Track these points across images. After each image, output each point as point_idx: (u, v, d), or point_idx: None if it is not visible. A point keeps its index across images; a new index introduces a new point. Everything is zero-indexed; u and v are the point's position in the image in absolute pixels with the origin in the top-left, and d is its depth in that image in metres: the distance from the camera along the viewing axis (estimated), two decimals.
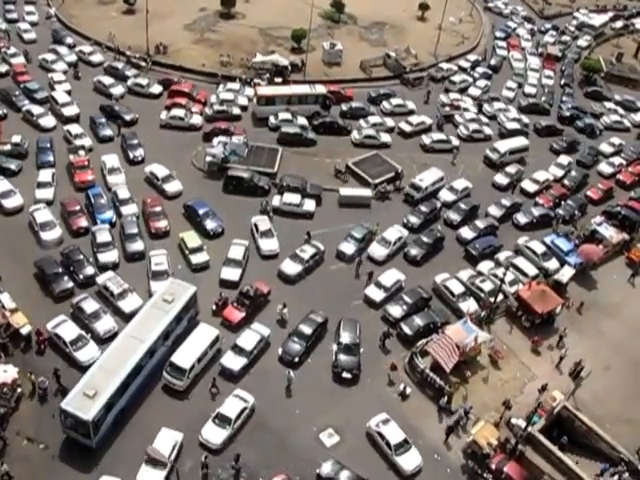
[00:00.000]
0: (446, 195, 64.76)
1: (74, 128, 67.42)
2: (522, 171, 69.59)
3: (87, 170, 61.18)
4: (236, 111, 74.28)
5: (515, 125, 77.86)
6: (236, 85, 79.23)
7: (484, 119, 79.58)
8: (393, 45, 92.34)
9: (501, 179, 68.67)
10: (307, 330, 48.18)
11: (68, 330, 46.01)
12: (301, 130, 71.26)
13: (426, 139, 72.99)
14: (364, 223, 59.06)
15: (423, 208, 61.68)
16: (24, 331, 46.04)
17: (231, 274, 52.78)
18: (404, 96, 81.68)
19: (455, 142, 73.38)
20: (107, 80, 76.54)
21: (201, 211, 57.59)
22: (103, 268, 52.18)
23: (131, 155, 64.34)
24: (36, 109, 70.31)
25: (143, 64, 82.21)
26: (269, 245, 56.09)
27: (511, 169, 69.23)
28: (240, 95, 77.58)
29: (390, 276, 53.90)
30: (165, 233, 56.52)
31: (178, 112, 71.24)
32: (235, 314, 49.35)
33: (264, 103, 74.26)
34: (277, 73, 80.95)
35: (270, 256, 55.71)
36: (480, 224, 60.79)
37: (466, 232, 60.29)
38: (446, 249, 59.28)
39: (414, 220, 60.69)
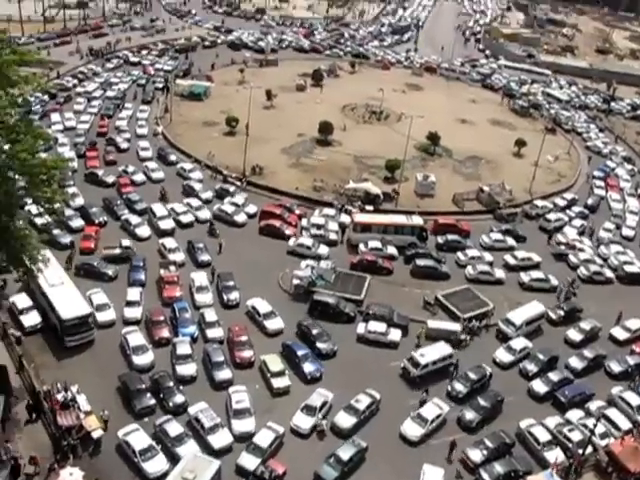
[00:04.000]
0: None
1: (169, 242, 70.51)
2: (599, 328, 65.52)
3: (176, 286, 63.32)
4: (332, 236, 76.03)
5: (636, 269, 76.38)
6: (331, 211, 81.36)
7: (599, 260, 78.15)
8: (487, 180, 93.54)
9: (574, 335, 64.68)
10: None
11: (139, 439, 46.14)
12: (435, 263, 71.81)
13: (525, 277, 72.16)
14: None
15: (471, 375, 56.31)
16: (95, 435, 46.58)
17: (302, 422, 50.34)
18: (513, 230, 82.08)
19: (554, 281, 71.95)
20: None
21: (300, 352, 56.54)
22: (181, 380, 52.97)
23: (225, 298, 63.74)
24: (134, 219, 74.60)
25: (238, 183, 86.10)
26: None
27: (586, 325, 65.12)
28: (334, 221, 79.39)
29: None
30: (250, 364, 56.10)
31: (306, 241, 73.07)
32: None
33: (360, 230, 75.82)
34: (369, 201, 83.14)
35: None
36: (554, 377, 57.50)
37: (539, 385, 56.97)
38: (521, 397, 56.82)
39: (460, 388, 55.34)
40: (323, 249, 73.13)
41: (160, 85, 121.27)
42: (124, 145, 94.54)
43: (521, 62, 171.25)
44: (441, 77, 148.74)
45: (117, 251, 68.42)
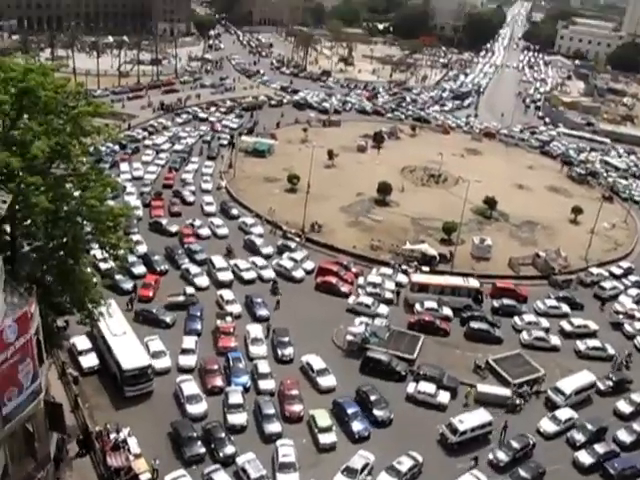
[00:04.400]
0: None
1: (227, 294, 71.03)
2: None
3: (231, 336, 63.65)
4: (388, 295, 75.52)
5: None
6: (388, 270, 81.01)
7: None
8: (543, 245, 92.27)
9: (624, 407, 61.94)
10: None
11: None
12: (489, 326, 70.85)
13: (581, 345, 70.17)
14: None
15: (514, 444, 54.17)
16: (143, 478, 46.60)
17: None
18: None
19: (611, 350, 69.76)
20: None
21: (350, 410, 55.66)
22: (231, 429, 52.74)
23: (279, 353, 63.33)
24: (194, 269, 75.57)
25: (297, 239, 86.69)
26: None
27: (637, 397, 62.40)
28: (391, 280, 78.94)
29: None
30: (299, 418, 55.48)
31: (366, 299, 72.72)
32: None
33: (417, 290, 75.43)
34: (425, 262, 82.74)
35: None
36: (601, 449, 54.87)
37: (584, 457, 54.42)
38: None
39: (502, 457, 53.62)
40: (383, 308, 72.57)
41: (225, 142, 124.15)
42: (190, 198, 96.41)
43: (580, 130, 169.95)
44: (500, 143, 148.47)
45: (181, 298, 69.41)
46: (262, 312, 69.05)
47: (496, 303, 76.54)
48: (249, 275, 76.35)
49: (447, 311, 73.52)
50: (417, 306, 73.69)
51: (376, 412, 56.24)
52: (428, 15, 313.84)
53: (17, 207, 41.87)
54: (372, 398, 57.15)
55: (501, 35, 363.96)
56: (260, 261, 79.20)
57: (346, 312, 71.63)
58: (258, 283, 76.22)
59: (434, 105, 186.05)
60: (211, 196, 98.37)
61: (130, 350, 56.71)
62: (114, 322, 58.29)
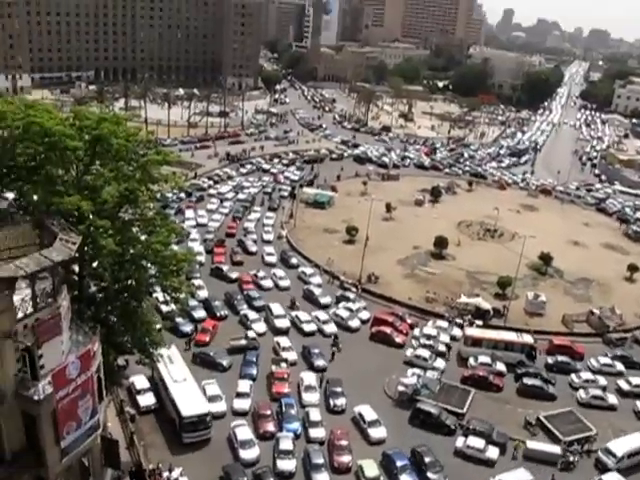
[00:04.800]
0: None
1: (283, 341, 70.76)
2: None
3: (285, 382, 63.25)
4: (442, 348, 74.08)
5: None
6: (444, 323, 79.80)
7: None
8: (598, 303, 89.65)
9: None
10: None
11: None
12: (543, 383, 68.73)
13: None
14: None
15: None
16: None
17: None
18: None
19: None
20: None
21: (399, 463, 54.05)
22: (280, 475, 52.06)
23: (331, 403, 61.89)
24: (252, 314, 75.84)
25: (354, 289, 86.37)
26: None
27: None
28: (446, 333, 77.66)
29: None
30: (347, 469, 54.27)
31: (423, 352, 71.37)
32: None
33: (471, 344, 74.09)
34: (479, 316, 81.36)
35: None
36: None
37: None
38: None
39: None
40: (439, 362, 71.12)
41: (285, 193, 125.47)
42: (252, 248, 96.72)
43: (637, 188, 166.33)
44: (556, 199, 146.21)
45: (243, 342, 69.68)
46: (319, 362, 68.07)
47: (550, 360, 74.30)
48: (309, 327, 75.42)
49: (501, 366, 71.67)
50: (471, 360, 72.18)
51: (430, 475, 54.05)
52: (487, 74, 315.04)
53: (86, 249, 42.88)
54: (427, 460, 55.14)
55: (559, 94, 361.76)
56: (323, 315, 77.84)
57: (403, 364, 70.44)
58: (317, 335, 75.23)
59: (491, 161, 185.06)
60: (272, 246, 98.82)
61: (190, 397, 56.48)
62: (175, 368, 58.88)
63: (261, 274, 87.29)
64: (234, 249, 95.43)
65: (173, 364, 58.28)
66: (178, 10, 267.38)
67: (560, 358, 74.34)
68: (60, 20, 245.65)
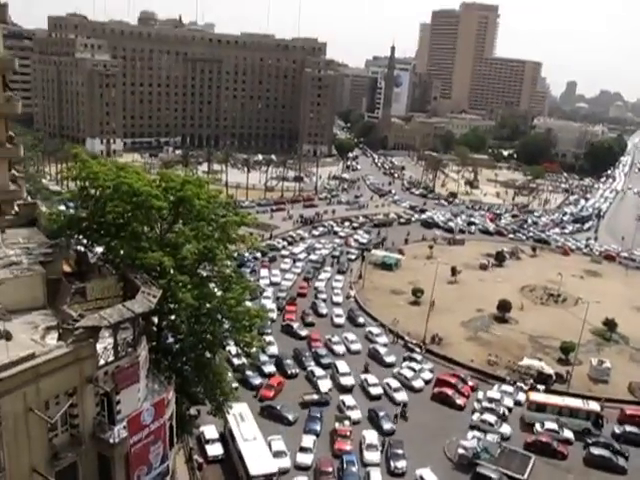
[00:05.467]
0: None
1: (348, 399, 69.40)
2: None
3: (347, 440, 61.85)
4: (504, 412, 71.08)
5: None
6: (509, 387, 76.87)
7: None
8: None
9: None
10: None
11: None
12: (612, 454, 64.01)
13: None
14: None
15: None
16: None
17: None
18: None
19: None
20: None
21: None
22: None
23: (392, 465, 59.78)
24: (318, 371, 75.04)
25: (417, 350, 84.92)
26: None
27: None
28: (510, 397, 74.66)
29: None
30: None
31: (489, 417, 68.52)
32: None
33: (534, 409, 70.94)
34: (541, 380, 78.36)
35: None
36: None
37: None
38: None
39: None
40: (505, 428, 68.02)
41: (353, 256, 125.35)
42: (323, 311, 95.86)
43: None
44: (620, 265, 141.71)
45: (315, 397, 69.11)
46: (387, 426, 65.77)
47: (618, 429, 69.74)
48: (376, 391, 73.20)
49: (568, 433, 67.88)
50: (537, 426, 68.44)
51: None
52: (550, 143, 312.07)
53: (165, 302, 43.48)
54: None
55: (622, 162, 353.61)
56: (394, 382, 74.88)
57: (453, 422, 68.42)
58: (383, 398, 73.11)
59: (555, 227, 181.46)
60: (341, 308, 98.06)
61: (258, 456, 55.70)
62: (246, 425, 58.55)
63: (335, 339, 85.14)
64: (306, 311, 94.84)
65: (244, 422, 57.91)
66: (260, 82, 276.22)
67: (629, 428, 69.67)
68: (152, 90, 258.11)
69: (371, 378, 75.13)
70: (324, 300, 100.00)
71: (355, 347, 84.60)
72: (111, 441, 34.27)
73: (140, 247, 42.58)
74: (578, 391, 76.79)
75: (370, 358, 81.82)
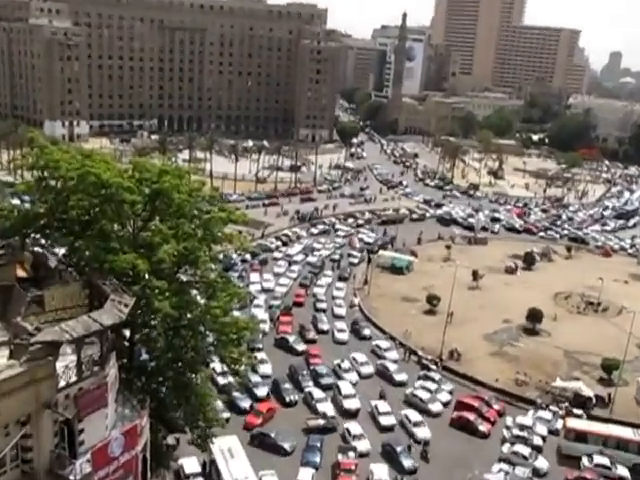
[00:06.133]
0: None
1: (354, 428, 68.43)
2: None
3: (352, 475, 60.76)
4: (537, 441, 69.87)
5: None
6: (546, 414, 75.89)
7: None
8: None
9: None
10: None
11: None
12: None
13: None
14: None
15: None
16: None
17: None
18: None
19: None
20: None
21: None
22: None
23: None
24: (317, 393, 74.33)
25: (433, 367, 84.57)
26: None
27: None
28: (544, 424, 73.77)
29: None
30: None
31: (523, 449, 67.16)
32: None
33: (573, 438, 69.62)
34: (578, 404, 77.78)
35: None
36: None
37: None
38: None
39: None
40: (542, 462, 66.72)
41: (356, 260, 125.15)
42: (325, 327, 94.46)
43: None
44: None
45: (320, 422, 68.85)
46: (408, 463, 64.22)
47: None
48: (388, 420, 71.65)
49: (622, 471, 65.81)
50: (584, 460, 66.65)
51: None
52: (589, 125, 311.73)
53: (139, 312, 43.18)
54: None
55: None
56: (414, 415, 72.35)
57: (478, 451, 67.95)
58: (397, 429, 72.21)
59: (594, 224, 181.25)
60: (343, 322, 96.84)
61: None
62: (235, 463, 57.74)
63: (345, 365, 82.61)
64: (306, 326, 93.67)
65: (234, 458, 57.40)
66: (249, 55, 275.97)
67: None
68: (123, 64, 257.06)
69: (383, 405, 73.96)
70: (324, 311, 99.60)
71: (366, 370, 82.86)
72: (72, 478, 33.80)
73: (109, 248, 42.43)
74: (623, 417, 76.00)
75: (378, 376, 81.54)
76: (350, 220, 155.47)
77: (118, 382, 38.42)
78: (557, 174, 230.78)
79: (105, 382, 35.40)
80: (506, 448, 68.19)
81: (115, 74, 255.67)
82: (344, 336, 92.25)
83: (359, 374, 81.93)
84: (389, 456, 65.69)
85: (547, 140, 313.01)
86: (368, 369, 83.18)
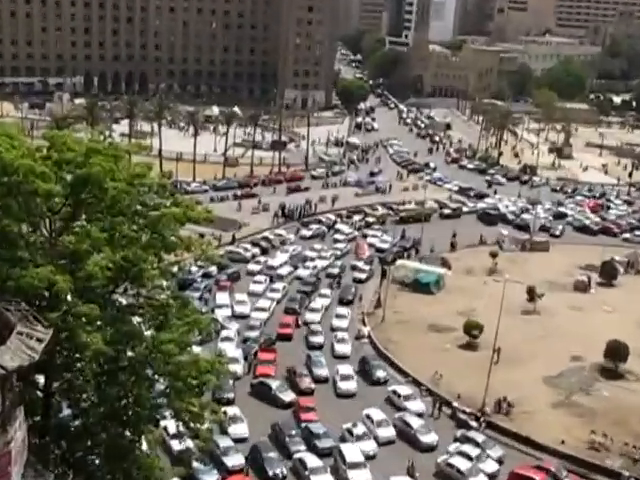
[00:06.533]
0: None
1: None
2: None
3: None
4: None
5: None
6: None
7: None
8: None
9: None
10: None
11: None
12: None
13: None
14: None
15: None
16: None
17: None
18: None
19: None
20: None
21: None
22: None
23: None
24: (312, 460, 73.62)
25: (474, 424, 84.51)
26: None
27: None
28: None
29: None
30: None
31: None
32: None
33: None
34: None
35: None
36: None
37: None
38: None
39: None
40: None
41: (363, 275, 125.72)
42: (323, 373, 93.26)
43: None
44: None
45: None
46: None
47: None
48: None
49: None
50: None
51: None
52: None
53: (59, 349, 43.08)
54: None
55: None
56: None
57: None
58: None
59: None
60: (348, 365, 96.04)
61: None
62: None
63: (359, 430, 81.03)
64: (299, 372, 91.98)
65: None
66: None
67: None
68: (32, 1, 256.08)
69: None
70: (320, 347, 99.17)
71: (386, 433, 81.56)
72: None
73: (16, 259, 42.25)
74: None
75: (398, 436, 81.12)
76: (356, 218, 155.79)
77: (26, 449, 38.29)
78: None
79: (8, 450, 35.27)
80: None
81: (20, 12, 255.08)
82: (351, 385, 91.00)
83: (377, 440, 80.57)
84: None
85: (634, 103, 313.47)
86: (388, 432, 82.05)
